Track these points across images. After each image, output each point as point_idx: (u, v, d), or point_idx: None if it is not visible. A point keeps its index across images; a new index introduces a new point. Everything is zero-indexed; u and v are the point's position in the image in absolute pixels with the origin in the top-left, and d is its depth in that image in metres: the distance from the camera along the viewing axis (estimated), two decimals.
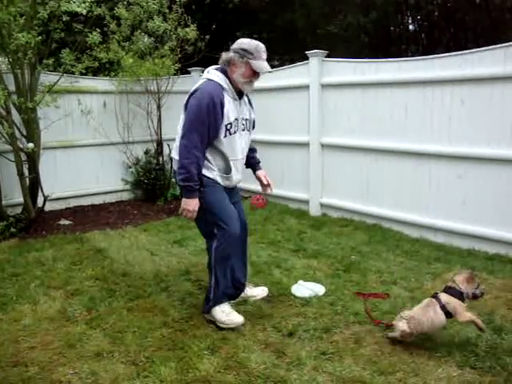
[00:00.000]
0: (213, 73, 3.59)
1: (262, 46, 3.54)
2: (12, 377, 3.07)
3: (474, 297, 3.30)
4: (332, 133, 6.74)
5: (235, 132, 3.60)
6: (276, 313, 3.81)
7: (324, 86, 6.76)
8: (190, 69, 8.46)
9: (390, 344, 3.32)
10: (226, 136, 3.54)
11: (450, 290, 3.29)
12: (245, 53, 3.48)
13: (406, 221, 5.87)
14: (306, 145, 7.02)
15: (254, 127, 3.93)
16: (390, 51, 13.09)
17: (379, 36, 14.36)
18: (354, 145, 6.45)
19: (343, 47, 12.88)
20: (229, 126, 3.53)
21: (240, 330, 3.56)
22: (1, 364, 3.22)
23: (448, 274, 4.48)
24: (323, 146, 6.84)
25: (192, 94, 3.53)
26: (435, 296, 3.31)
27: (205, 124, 3.41)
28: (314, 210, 6.97)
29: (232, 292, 3.87)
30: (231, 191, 3.87)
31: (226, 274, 3.71)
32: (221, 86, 3.51)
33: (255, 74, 3.55)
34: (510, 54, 4.92)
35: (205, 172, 3.57)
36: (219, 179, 3.67)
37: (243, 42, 3.54)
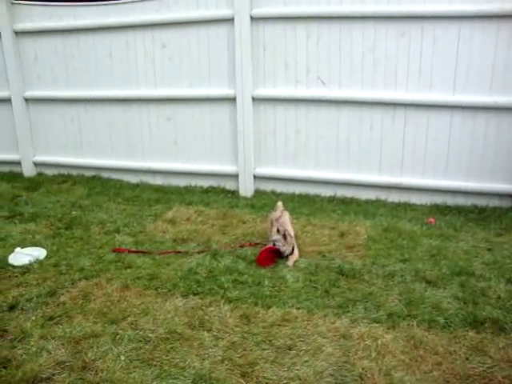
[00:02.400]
0: None
1: None
2: None
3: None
4: (35, 85, 6.24)
5: None
6: None
7: (19, 34, 6.13)
8: None
9: (118, 292, 3.35)
10: None
11: None
12: None
13: (124, 168, 5.91)
14: (7, 100, 6.35)
15: None
16: None
17: None
18: (61, 96, 6.11)
19: None
20: None
21: None
22: None
23: (168, 212, 4.71)
24: (27, 100, 6.30)
25: None
26: None
27: None
28: (28, 171, 6.46)
29: None
30: None
31: None
32: None
33: None
34: None
35: None
36: None
37: None
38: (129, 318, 3.05)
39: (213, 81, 5.36)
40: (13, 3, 6.09)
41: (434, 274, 3.50)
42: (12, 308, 3.22)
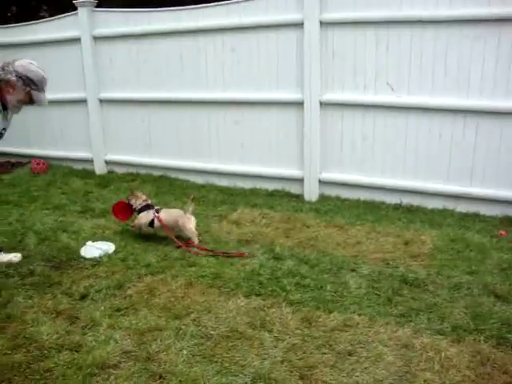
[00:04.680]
0: None
1: (46, 78, 3.44)
2: None
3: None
4: (110, 87, 6.52)
5: None
6: (66, 278, 3.66)
7: (97, 39, 6.45)
8: None
9: (182, 289, 3.44)
10: None
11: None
12: (30, 82, 3.34)
13: (191, 168, 6.06)
14: (83, 101, 6.67)
15: None
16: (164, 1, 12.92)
17: None
18: (133, 98, 6.35)
19: None
20: None
21: None
22: None
23: (233, 213, 4.79)
24: (101, 101, 6.59)
25: None
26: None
27: None
28: (100, 169, 6.76)
29: None
30: None
31: None
32: None
33: (31, 103, 3.45)
34: (272, 3, 5.25)
35: None
36: None
37: (30, 70, 3.37)
38: (192, 315, 3.12)
39: (281, 85, 5.40)
40: (93, 10, 6.40)
41: (505, 289, 3.35)
42: (83, 297, 3.38)
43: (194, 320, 3.07)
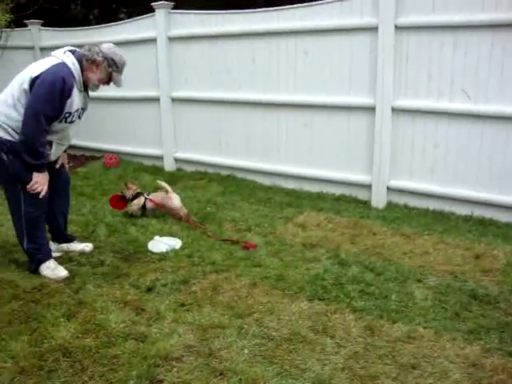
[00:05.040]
0: (69, 59, 3.51)
1: (125, 62, 3.72)
2: None
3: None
4: (182, 86, 6.68)
5: (71, 122, 3.62)
6: (133, 270, 3.78)
7: (172, 39, 6.63)
8: (26, 21, 7.74)
9: (246, 289, 3.47)
10: (60, 122, 3.54)
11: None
12: (113, 64, 3.60)
13: (259, 170, 6.10)
14: (156, 100, 6.88)
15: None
16: (239, 3, 13.09)
17: None
18: (204, 97, 6.47)
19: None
20: (67, 115, 3.53)
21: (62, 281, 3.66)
22: None
23: (299, 216, 4.79)
24: (173, 99, 6.77)
25: (42, 72, 3.40)
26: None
27: (54, 109, 3.41)
28: (169, 166, 6.93)
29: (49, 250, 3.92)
30: None
31: (40, 234, 3.80)
32: (73, 75, 3.49)
33: (108, 83, 3.71)
34: (347, 7, 5.21)
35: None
36: None
37: (115, 53, 3.62)
38: (254, 315, 3.14)
39: (352, 89, 5.34)
40: (169, 12, 6.59)
41: None
42: (149, 290, 3.48)
43: (257, 320, 3.08)
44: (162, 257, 3.99)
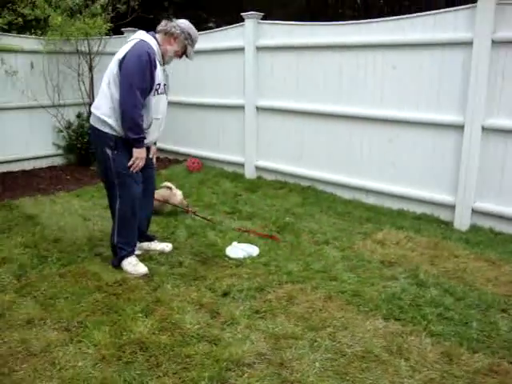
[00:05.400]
0: (147, 36, 3.80)
1: (198, 37, 4.00)
2: None
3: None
4: (267, 95, 6.76)
5: (161, 93, 3.87)
6: (210, 274, 3.86)
7: (259, 49, 6.73)
8: (123, 29, 8.17)
9: (321, 302, 3.44)
10: (154, 95, 3.77)
11: None
12: (189, 37, 3.86)
13: (339, 183, 6.04)
14: (241, 108, 7.00)
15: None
16: (327, 15, 13.14)
17: None
18: (288, 108, 6.50)
19: (280, 10, 12.80)
20: (157, 87, 3.79)
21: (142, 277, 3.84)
22: None
23: (378, 233, 4.69)
24: (258, 108, 6.86)
25: (127, 52, 3.69)
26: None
27: (144, 80, 3.65)
28: (250, 173, 7.02)
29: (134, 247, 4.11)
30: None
31: (130, 232, 4.00)
32: (153, 49, 3.74)
33: (181, 55, 3.96)
34: (440, 21, 5.07)
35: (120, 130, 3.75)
36: None
37: (191, 28, 3.89)
38: (328, 329, 3.11)
39: (440, 106, 5.17)
40: (259, 23, 6.70)
41: None
42: (225, 294, 3.54)
43: (330, 334, 3.05)
44: (239, 263, 4.05)
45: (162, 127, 4.08)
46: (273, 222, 4.98)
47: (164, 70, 3.94)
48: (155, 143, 4.20)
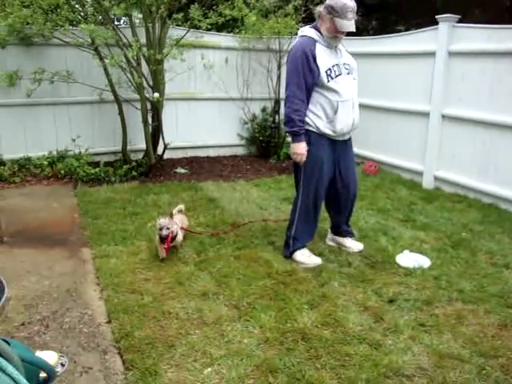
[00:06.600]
0: (305, 28, 3.95)
1: (350, 5, 3.62)
2: (129, 301, 3.41)
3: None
4: (455, 104, 6.40)
5: (338, 75, 3.81)
6: (378, 278, 3.82)
7: (451, 54, 6.39)
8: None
9: (494, 328, 3.21)
10: (329, 81, 3.78)
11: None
12: (331, 10, 3.67)
13: None
14: (425, 114, 6.73)
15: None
16: None
17: None
18: (478, 118, 6.07)
19: (478, 12, 11.99)
20: (329, 72, 3.78)
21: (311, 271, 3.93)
22: (121, 289, 3.58)
23: None
24: (444, 117, 6.53)
25: (288, 53, 3.98)
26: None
27: (299, 74, 3.74)
28: (427, 183, 6.74)
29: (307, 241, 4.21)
30: (341, 145, 4.04)
31: (308, 225, 4.13)
32: (312, 38, 3.81)
33: (339, 31, 3.72)
34: None
35: (312, 122, 3.86)
36: (327, 129, 3.87)
37: (334, 1, 3.67)
38: (500, 359, 2.88)
39: None
40: (454, 26, 6.36)
41: None
42: (391, 301, 3.49)
43: (502, 366, 2.82)
44: (409, 272, 3.94)
45: (357, 112, 3.98)
46: (447, 236, 4.73)
47: (344, 51, 3.99)
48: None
